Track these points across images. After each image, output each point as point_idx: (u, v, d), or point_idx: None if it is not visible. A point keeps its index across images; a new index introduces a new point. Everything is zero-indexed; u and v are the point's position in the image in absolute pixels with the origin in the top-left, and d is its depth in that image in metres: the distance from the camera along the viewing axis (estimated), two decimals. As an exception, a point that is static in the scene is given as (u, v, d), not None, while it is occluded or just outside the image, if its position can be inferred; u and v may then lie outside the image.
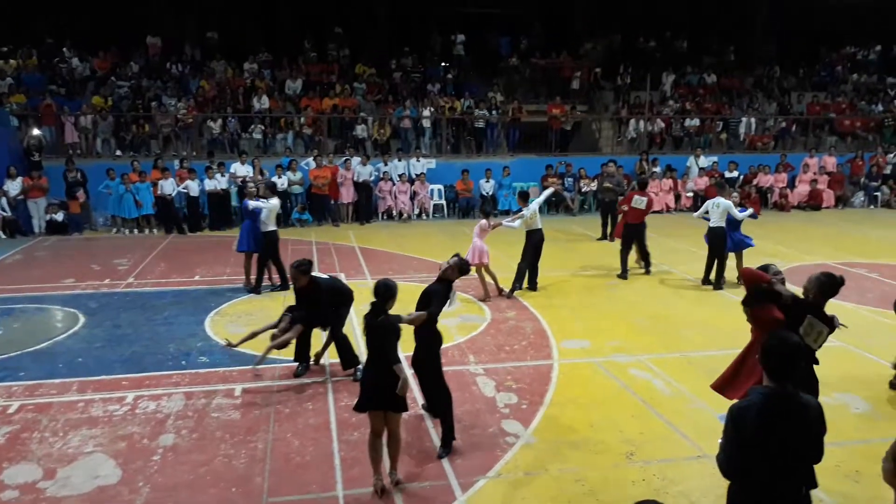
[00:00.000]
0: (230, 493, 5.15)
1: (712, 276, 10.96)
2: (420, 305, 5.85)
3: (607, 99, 23.13)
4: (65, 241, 15.00)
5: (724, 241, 10.79)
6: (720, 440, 3.40)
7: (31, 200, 15.38)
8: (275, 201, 10.60)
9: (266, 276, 10.72)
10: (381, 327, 5.11)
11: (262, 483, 5.29)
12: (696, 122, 21.81)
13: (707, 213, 10.96)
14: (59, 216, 15.51)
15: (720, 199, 10.76)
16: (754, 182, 19.19)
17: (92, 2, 22.11)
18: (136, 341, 8.42)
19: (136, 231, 15.86)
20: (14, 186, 15.28)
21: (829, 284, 4.80)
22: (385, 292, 5.18)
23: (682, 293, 10.79)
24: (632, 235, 11.60)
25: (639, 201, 11.48)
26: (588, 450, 5.81)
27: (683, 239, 14.91)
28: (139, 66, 20.85)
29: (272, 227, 10.41)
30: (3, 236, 15.03)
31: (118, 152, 18.16)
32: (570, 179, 18.96)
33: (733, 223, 10.90)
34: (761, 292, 4.83)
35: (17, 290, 10.79)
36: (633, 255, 11.83)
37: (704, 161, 19.93)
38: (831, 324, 4.79)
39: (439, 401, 5.90)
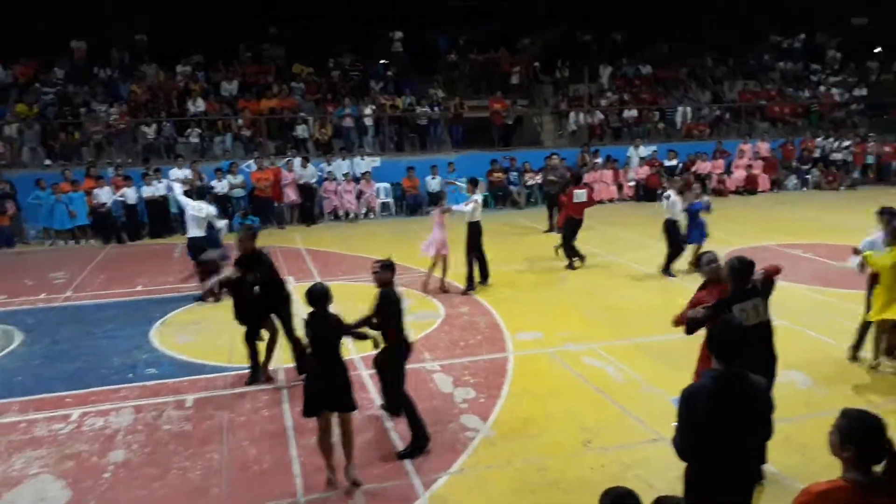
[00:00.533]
0: (187, 508, 5.02)
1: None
2: (380, 314, 5.69)
3: (547, 93, 23.44)
4: (-6, 256, 14.34)
5: (672, 231, 11.10)
6: (674, 423, 3.48)
7: (-46, 215, 14.64)
8: (202, 205, 10.41)
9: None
10: (328, 322, 5.18)
11: (219, 494, 5.18)
12: (635, 112, 22.32)
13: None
14: (-13, 231, 14.81)
15: (670, 192, 11.16)
16: (693, 169, 19.76)
17: (10, 9, 21.08)
18: (77, 357, 8.12)
19: (71, 242, 15.30)
20: (-63, 201, 14.52)
21: (740, 270, 4.91)
22: (324, 295, 5.22)
23: (629, 282, 11.01)
24: (575, 228, 11.81)
25: (579, 195, 11.71)
26: (546, 440, 5.88)
27: (627, 228, 15.24)
28: (64, 71, 20.02)
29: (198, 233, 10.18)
30: (-73, 254, 14.26)
31: (47, 161, 17.39)
32: (514, 173, 19.14)
33: (692, 216, 11.17)
34: (696, 323, 4.95)
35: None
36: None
37: (644, 150, 20.43)
38: (755, 291, 4.93)
39: (399, 404, 5.86)
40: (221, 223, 10.64)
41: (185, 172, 15.96)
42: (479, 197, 10.50)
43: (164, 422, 6.38)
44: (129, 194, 15.30)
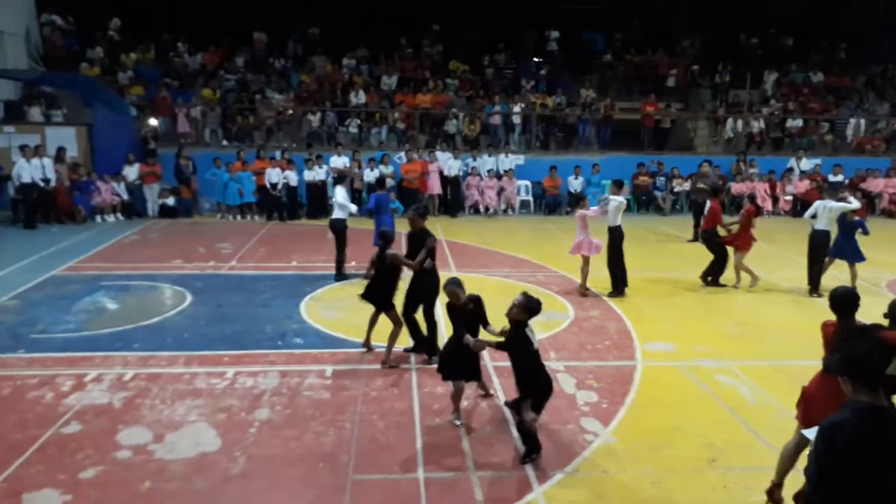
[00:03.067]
0: (318, 468, 5.46)
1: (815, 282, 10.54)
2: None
3: (704, 97, 22.43)
4: (175, 224, 16.10)
5: (825, 246, 10.37)
6: (808, 452, 3.33)
7: (146, 185, 16.58)
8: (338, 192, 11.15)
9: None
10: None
11: (347, 461, 5.57)
12: (799, 122, 20.81)
13: (814, 216, 10.50)
14: (171, 201, 16.64)
15: (830, 202, 10.36)
16: (861, 186, 18.15)
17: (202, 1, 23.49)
18: (236, 321, 8.96)
19: (238, 217, 16.78)
20: (132, 172, 16.52)
21: None
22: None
23: (774, 299, 10.44)
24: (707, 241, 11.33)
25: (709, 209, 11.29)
26: (668, 453, 5.79)
27: (780, 244, 14.33)
28: (245, 60, 21.96)
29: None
30: (122, 218, 16.27)
31: (224, 142, 19.25)
32: (661, 178, 18.57)
33: (847, 230, 10.42)
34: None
35: (133, 268, 11.69)
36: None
37: (806, 163, 19.03)
38: None
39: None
40: (352, 208, 11.21)
41: (345, 160, 17.01)
42: (619, 200, 10.24)
43: (305, 388, 6.94)
44: (292, 177, 16.56)
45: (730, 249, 10.95)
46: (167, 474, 5.35)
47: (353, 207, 11.16)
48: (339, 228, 10.90)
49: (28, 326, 8.61)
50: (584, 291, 10.43)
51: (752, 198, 11.88)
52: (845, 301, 4.83)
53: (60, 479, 5.21)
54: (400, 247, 9.03)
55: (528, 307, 5.52)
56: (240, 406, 6.53)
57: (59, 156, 15.86)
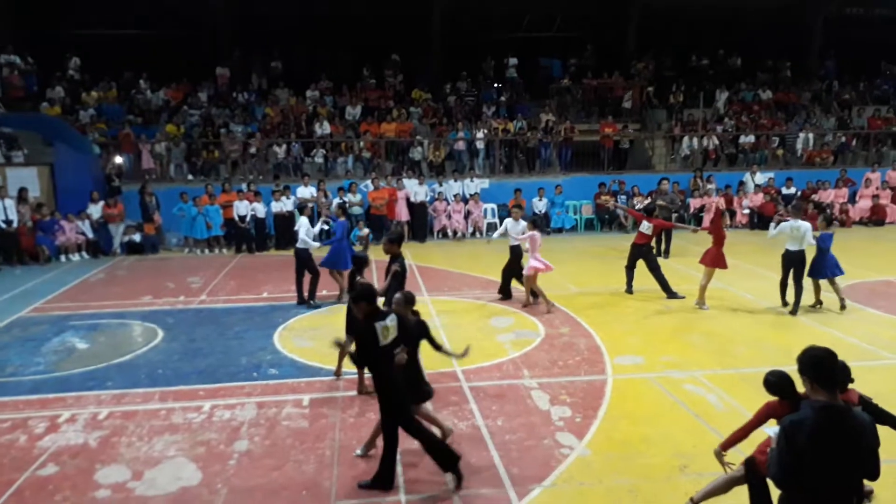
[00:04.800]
0: (301, 496, 5.50)
1: (789, 297, 10.56)
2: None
3: (660, 117, 23.16)
4: (142, 260, 15.96)
5: (802, 265, 10.29)
6: (769, 450, 3.54)
7: (110, 223, 16.42)
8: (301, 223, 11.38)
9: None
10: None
11: (330, 487, 5.63)
12: (752, 138, 21.60)
13: (778, 233, 10.59)
14: (137, 237, 16.51)
15: (800, 223, 10.21)
16: (813, 197, 18.86)
17: (165, 37, 23.56)
18: (210, 354, 8.96)
19: (206, 251, 16.72)
20: (96, 210, 16.36)
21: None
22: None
23: (736, 311, 10.78)
24: (635, 255, 11.77)
25: (645, 227, 11.66)
26: (641, 462, 5.97)
27: (740, 256, 14.74)
28: (209, 94, 22.01)
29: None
30: (87, 256, 16.08)
31: (190, 176, 19.20)
32: (622, 197, 19.05)
33: (822, 247, 10.40)
34: None
35: (101, 306, 11.58)
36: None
37: (760, 177, 19.73)
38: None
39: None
40: (313, 245, 11.29)
41: (311, 191, 17.11)
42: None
43: (283, 418, 6.98)
44: (259, 209, 16.59)
45: (700, 268, 11.15)
46: (148, 510, 5.35)
47: (315, 244, 11.28)
48: (303, 256, 11.08)
49: (-4, 370, 8.50)
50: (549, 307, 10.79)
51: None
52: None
53: (40, 521, 5.18)
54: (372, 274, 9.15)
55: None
56: (218, 439, 6.54)
57: (22, 196, 15.64)
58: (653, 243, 12.12)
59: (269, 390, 7.76)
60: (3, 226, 14.70)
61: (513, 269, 11.35)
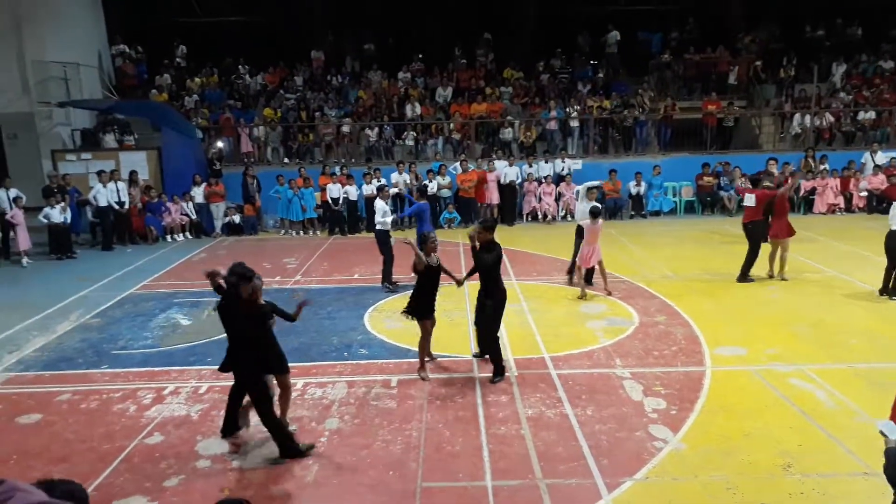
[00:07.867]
0: (388, 476, 5.57)
1: (892, 284, 10.01)
2: None
3: (768, 93, 21.74)
4: (241, 241, 16.62)
5: None
6: (886, 449, 3.26)
7: (212, 205, 17.19)
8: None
9: None
10: None
11: (416, 468, 5.67)
12: (872, 114, 19.94)
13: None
14: (237, 218, 17.20)
15: None
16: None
17: (263, 23, 24.33)
18: (303, 333, 9.19)
19: (301, 233, 17.21)
20: (199, 192, 17.16)
21: None
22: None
23: (849, 300, 10.02)
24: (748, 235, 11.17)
25: (748, 199, 11.16)
26: (741, 459, 5.66)
27: (855, 242, 13.76)
28: (304, 78, 22.56)
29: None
30: (190, 237, 16.92)
31: (286, 160, 19.79)
32: (726, 179, 18.10)
33: None
34: None
35: (203, 285, 12.02)
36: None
37: (882, 157, 18.20)
38: None
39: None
40: (388, 217, 11.44)
41: (405, 177, 17.22)
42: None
43: (372, 398, 7.09)
44: (351, 191, 16.89)
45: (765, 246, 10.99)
46: (244, 482, 5.55)
47: (389, 217, 11.40)
48: (381, 239, 11.18)
49: (110, 343, 9.08)
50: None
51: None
52: None
53: (146, 487, 5.48)
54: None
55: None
56: (310, 416, 6.72)
57: (133, 179, 16.64)
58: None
59: (359, 370, 7.89)
60: (117, 207, 15.67)
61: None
